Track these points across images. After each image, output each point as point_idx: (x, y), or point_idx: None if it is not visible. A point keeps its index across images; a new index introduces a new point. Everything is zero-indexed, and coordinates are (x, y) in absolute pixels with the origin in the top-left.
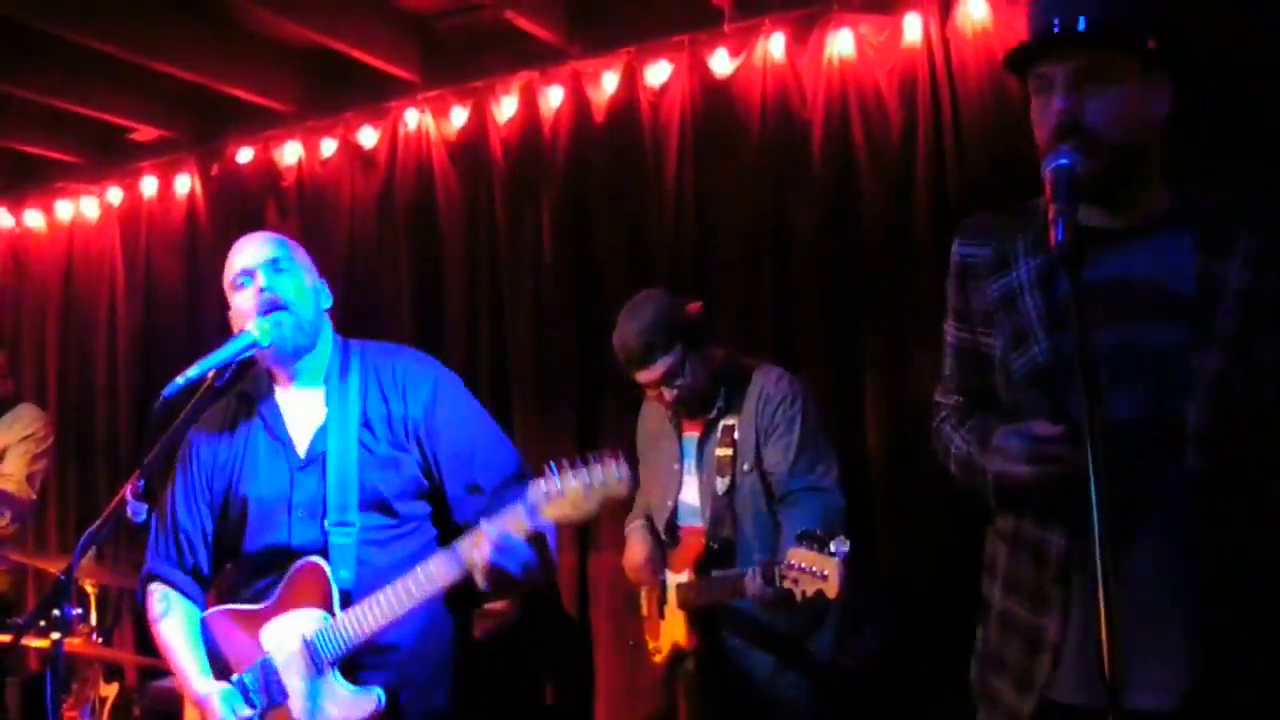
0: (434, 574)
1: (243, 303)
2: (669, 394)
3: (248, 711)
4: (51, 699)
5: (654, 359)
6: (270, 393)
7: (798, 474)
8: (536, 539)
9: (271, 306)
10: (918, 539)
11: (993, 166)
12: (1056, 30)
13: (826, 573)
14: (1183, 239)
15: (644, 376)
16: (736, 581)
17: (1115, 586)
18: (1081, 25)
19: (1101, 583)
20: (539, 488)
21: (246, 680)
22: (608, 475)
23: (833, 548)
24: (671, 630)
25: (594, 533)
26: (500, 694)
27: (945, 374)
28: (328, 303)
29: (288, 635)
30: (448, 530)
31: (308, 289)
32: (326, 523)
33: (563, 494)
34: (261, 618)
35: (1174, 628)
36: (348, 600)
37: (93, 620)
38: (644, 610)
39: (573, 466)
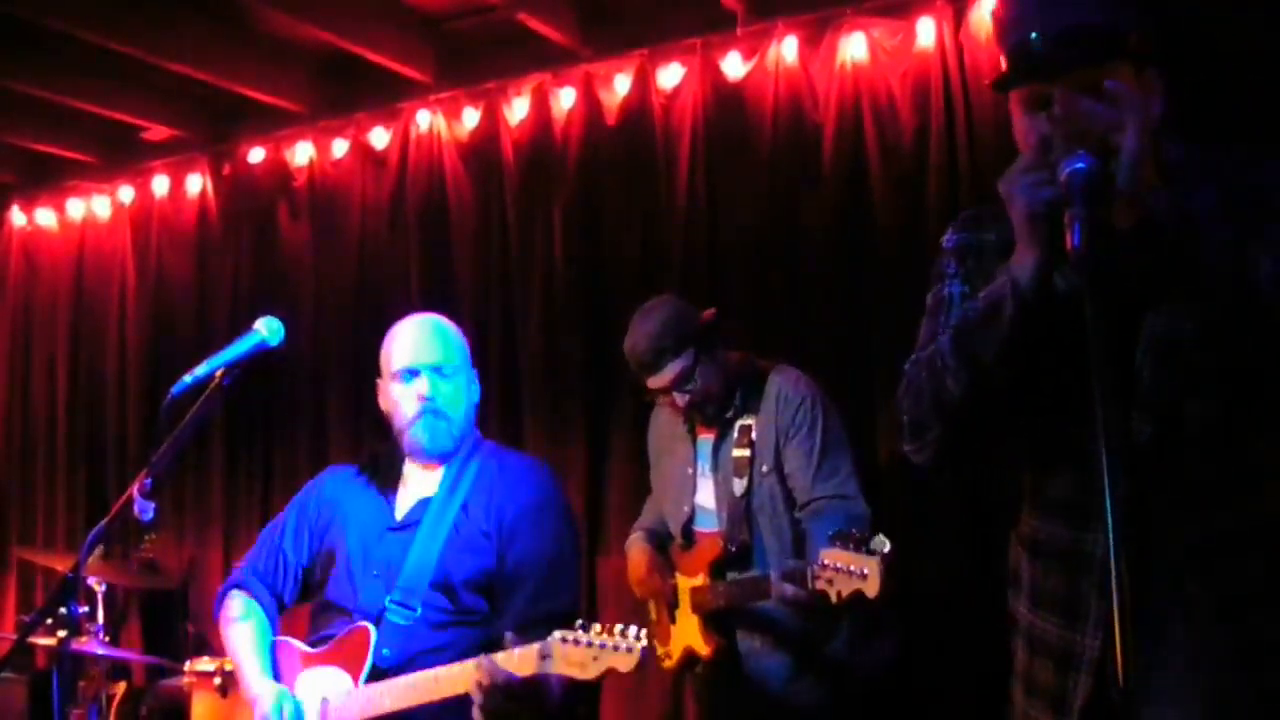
0: (444, 681)
1: (400, 395)
2: (681, 400)
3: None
4: (58, 697)
5: (664, 364)
6: (401, 460)
7: (820, 481)
8: (534, 683)
9: (430, 414)
10: (929, 546)
11: (1005, 171)
12: (1040, 47)
13: (866, 571)
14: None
15: (655, 382)
16: (759, 584)
17: (1132, 590)
18: (1065, 36)
19: (1115, 586)
20: (557, 637)
21: (285, 705)
22: (618, 647)
23: (873, 545)
24: (683, 635)
25: (603, 535)
26: None
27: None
28: (476, 397)
29: (314, 688)
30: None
31: (465, 396)
32: (391, 596)
33: (576, 649)
34: (306, 661)
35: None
36: (379, 676)
37: (100, 619)
38: (653, 615)
39: (597, 630)
